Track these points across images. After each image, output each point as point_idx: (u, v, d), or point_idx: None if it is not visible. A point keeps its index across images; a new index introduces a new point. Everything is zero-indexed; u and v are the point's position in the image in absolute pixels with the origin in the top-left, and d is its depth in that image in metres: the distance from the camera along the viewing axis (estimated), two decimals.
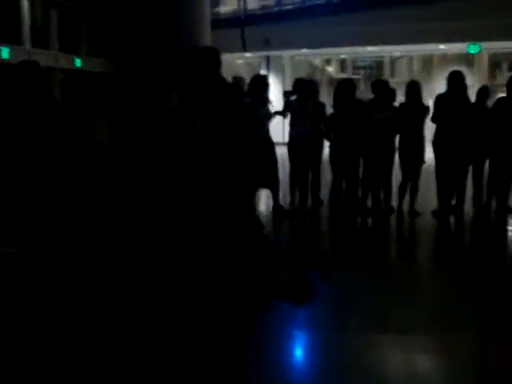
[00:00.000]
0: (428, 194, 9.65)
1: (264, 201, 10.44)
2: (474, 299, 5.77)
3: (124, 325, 4.99)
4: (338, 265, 6.87)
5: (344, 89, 9.04)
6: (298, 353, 4.75)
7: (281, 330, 5.05)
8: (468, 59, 22.76)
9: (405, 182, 9.23)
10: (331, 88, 10.16)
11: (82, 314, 5.21)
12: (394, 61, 27.47)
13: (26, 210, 7.37)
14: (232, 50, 19.44)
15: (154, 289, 5.78)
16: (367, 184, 9.13)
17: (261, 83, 9.17)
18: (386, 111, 8.93)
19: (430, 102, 9.49)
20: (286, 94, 9.62)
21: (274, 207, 9.34)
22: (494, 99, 9.42)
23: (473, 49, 19.92)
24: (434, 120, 9.02)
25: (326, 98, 10.65)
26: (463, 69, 14.77)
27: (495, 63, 26.48)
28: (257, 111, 8.84)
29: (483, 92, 9.53)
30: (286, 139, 9.71)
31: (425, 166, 9.23)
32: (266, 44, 20.33)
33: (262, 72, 22.58)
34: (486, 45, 19.93)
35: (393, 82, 16.08)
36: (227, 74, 14.75)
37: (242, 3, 21.81)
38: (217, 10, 21.50)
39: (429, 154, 9.17)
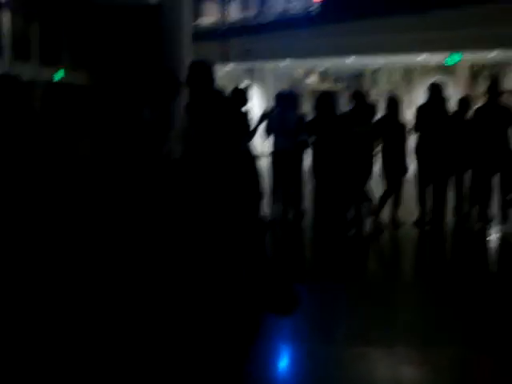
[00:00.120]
0: (410, 204, 9.69)
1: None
2: (456, 311, 5.78)
3: (118, 325, 4.99)
4: (320, 277, 6.87)
5: (324, 103, 9.05)
6: (282, 366, 4.73)
7: (265, 343, 5.04)
8: (448, 69, 22.92)
9: (387, 193, 9.26)
10: (313, 99, 10.19)
11: (78, 313, 5.19)
12: (374, 72, 27.62)
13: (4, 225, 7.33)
14: (214, 62, 19.43)
15: (147, 293, 5.77)
16: (349, 196, 9.14)
17: (240, 97, 9.07)
18: (365, 125, 8.95)
19: (410, 113, 9.56)
20: (265, 116, 9.46)
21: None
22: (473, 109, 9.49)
23: (452, 59, 20.07)
24: (416, 130, 9.10)
25: (308, 108, 10.67)
26: (443, 79, 14.90)
27: (475, 73, 26.68)
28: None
29: (464, 102, 9.60)
30: (268, 151, 9.73)
31: (408, 177, 9.30)
32: (248, 55, 20.37)
33: (244, 83, 22.63)
34: (465, 55, 20.08)
35: (373, 93, 16.17)
36: None
37: (223, 15, 21.86)
38: (198, 21, 21.53)
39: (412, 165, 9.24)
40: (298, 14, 21.16)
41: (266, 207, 9.61)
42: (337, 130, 8.85)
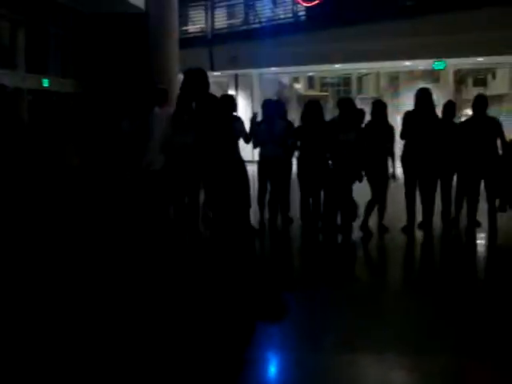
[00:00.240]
0: (398, 210, 9.71)
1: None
2: (446, 318, 5.78)
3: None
4: (308, 284, 6.86)
5: (311, 111, 9.05)
6: (270, 374, 4.71)
7: (253, 351, 5.04)
8: (434, 75, 23.05)
9: (374, 199, 9.29)
10: (300, 105, 10.21)
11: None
12: (361, 77, 27.72)
13: None
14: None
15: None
16: (336, 202, 9.14)
17: (228, 103, 9.12)
18: (351, 132, 8.96)
19: (397, 118, 9.59)
20: (254, 121, 9.50)
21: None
22: (461, 118, 9.53)
23: (438, 65, 20.18)
24: (402, 137, 9.12)
25: (295, 115, 10.70)
26: (429, 85, 14.96)
27: (461, 79, 26.84)
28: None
29: (449, 107, 9.65)
30: (256, 158, 9.75)
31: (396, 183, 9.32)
32: (234, 62, 20.39)
33: (230, 91, 22.64)
34: (451, 61, 20.20)
35: (360, 98, 16.23)
36: None
37: (209, 22, 21.86)
38: (185, 28, 21.52)
39: (398, 171, 9.25)
40: (284, 20, 21.21)
41: (253, 214, 9.63)
42: (323, 137, 8.86)
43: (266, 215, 9.72)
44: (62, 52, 14.63)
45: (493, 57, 19.50)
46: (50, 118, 9.28)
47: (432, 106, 9.03)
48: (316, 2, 19.90)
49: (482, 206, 9.13)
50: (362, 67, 23.21)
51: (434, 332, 5.32)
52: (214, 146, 6.30)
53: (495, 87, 25.31)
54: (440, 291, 6.58)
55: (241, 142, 8.89)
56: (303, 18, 20.92)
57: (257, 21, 21.89)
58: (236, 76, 23.31)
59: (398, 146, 9.37)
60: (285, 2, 21.64)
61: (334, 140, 8.85)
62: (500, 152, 9.03)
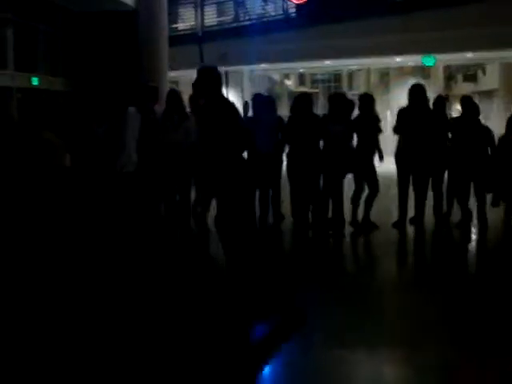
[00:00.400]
0: (389, 205, 9.74)
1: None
2: (439, 312, 5.80)
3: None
4: (301, 280, 6.86)
5: (301, 103, 9.07)
6: (265, 370, 4.70)
7: (244, 348, 5.05)
8: (424, 71, 23.11)
9: (357, 193, 9.31)
10: (290, 101, 10.23)
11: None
12: (351, 74, 27.77)
13: None
14: (190, 66, 19.39)
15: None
16: (326, 196, 9.16)
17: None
18: (341, 124, 8.97)
19: (387, 114, 9.60)
20: (246, 109, 9.58)
21: None
22: (451, 114, 9.56)
23: (428, 61, 20.21)
24: (396, 131, 9.14)
25: (286, 111, 10.70)
26: (419, 80, 15.00)
27: (450, 75, 26.94)
28: None
29: (439, 101, 9.68)
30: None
31: (387, 179, 9.34)
32: (224, 59, 20.36)
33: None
34: (441, 57, 20.24)
35: (351, 94, 16.24)
36: (186, 90, 14.74)
37: (199, 19, 21.82)
38: (174, 26, 21.48)
39: (389, 166, 9.27)
40: (274, 17, 21.20)
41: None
42: (313, 130, 8.85)
43: (257, 212, 9.70)
44: (52, 50, 14.58)
45: (482, 52, 19.56)
46: (41, 117, 9.22)
47: (426, 102, 9.07)
48: None
49: (474, 202, 9.19)
50: (353, 64, 23.24)
51: (427, 326, 5.34)
52: (224, 144, 6.26)
53: (485, 83, 25.41)
54: (433, 286, 6.61)
55: None
56: (293, 14, 20.91)
57: (247, 18, 21.88)
58: (226, 73, 23.28)
59: (390, 138, 9.35)
60: None
61: (324, 131, 8.84)
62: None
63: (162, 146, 9.14)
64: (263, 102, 9.76)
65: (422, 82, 14.70)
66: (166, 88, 11.93)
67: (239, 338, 5.15)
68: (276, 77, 27.34)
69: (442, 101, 9.77)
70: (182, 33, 21.90)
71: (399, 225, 9.18)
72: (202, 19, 21.81)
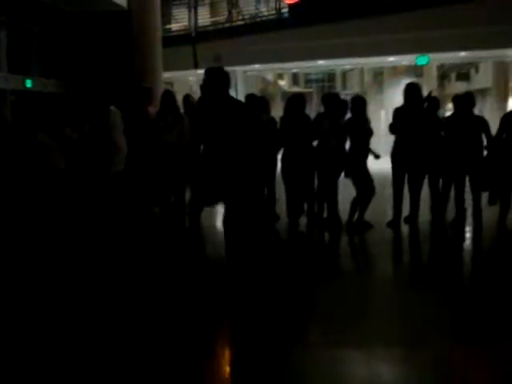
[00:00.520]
0: (384, 205, 9.74)
1: (221, 217, 10.42)
2: (436, 310, 5.81)
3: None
4: (297, 279, 6.86)
5: (293, 104, 9.06)
6: (256, 371, 4.70)
7: (237, 347, 5.05)
8: (417, 70, 23.13)
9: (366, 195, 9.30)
10: (284, 101, 10.24)
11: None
12: (345, 73, 27.79)
13: None
14: (184, 67, 19.41)
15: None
16: (321, 196, 9.16)
17: None
18: (335, 124, 8.98)
19: (381, 113, 9.61)
20: None
21: None
22: (445, 113, 9.56)
23: (421, 60, 20.24)
24: (392, 131, 9.14)
25: (280, 111, 10.70)
26: (413, 80, 15.01)
27: (444, 74, 26.99)
28: None
29: (432, 101, 9.67)
30: None
31: (381, 179, 9.34)
32: (218, 60, 20.36)
33: None
34: (434, 56, 20.27)
35: (344, 94, 16.25)
36: (180, 91, 14.73)
37: (192, 20, 21.81)
38: (168, 26, 21.47)
39: (383, 165, 9.27)
40: (268, 18, 21.21)
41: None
42: (307, 130, 8.85)
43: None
44: (45, 52, 14.56)
45: (475, 51, 19.60)
46: (34, 119, 9.21)
47: (421, 101, 9.09)
48: None
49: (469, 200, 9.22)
50: (346, 63, 23.25)
51: (424, 324, 5.35)
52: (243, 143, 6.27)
53: (478, 81, 25.47)
54: (429, 284, 6.63)
55: None
56: (286, 14, 20.92)
57: (240, 18, 21.88)
58: None
59: (384, 138, 9.35)
60: None
61: (318, 131, 8.84)
62: (485, 147, 9.11)
63: (156, 146, 9.15)
64: (255, 102, 9.75)
65: (416, 81, 14.71)
66: (161, 89, 11.94)
67: None
68: (269, 77, 27.32)
69: (436, 100, 9.77)
70: (175, 33, 21.89)
71: (394, 224, 9.19)
72: (196, 20, 21.80)
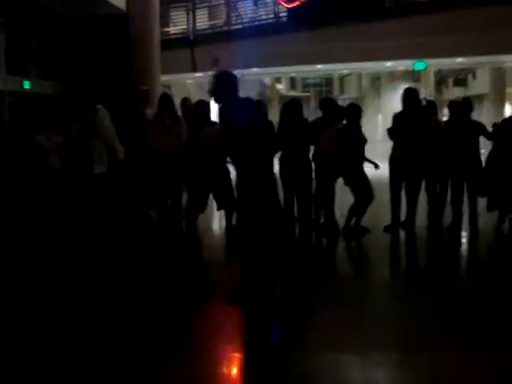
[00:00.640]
0: (380, 210, 9.74)
1: (217, 221, 10.44)
2: (432, 315, 5.80)
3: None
4: (293, 284, 6.86)
5: (290, 109, 9.05)
6: (256, 375, 4.69)
7: (236, 352, 5.05)
8: (415, 76, 23.19)
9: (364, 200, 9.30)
10: (281, 105, 10.23)
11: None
12: (342, 78, 27.84)
13: None
14: (181, 71, 19.43)
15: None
16: (319, 201, 9.15)
17: (205, 108, 9.01)
18: (332, 129, 8.98)
19: (379, 118, 9.63)
20: None
21: (227, 227, 9.25)
22: (442, 118, 9.57)
23: (419, 66, 20.28)
24: (391, 136, 9.17)
25: (277, 115, 10.68)
26: (410, 85, 15.04)
27: (441, 79, 27.05)
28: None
29: (430, 107, 9.69)
30: None
31: (378, 184, 9.34)
32: (216, 63, 20.37)
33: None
34: (432, 61, 20.31)
35: (342, 99, 16.25)
36: (177, 94, 14.73)
37: (191, 23, 21.82)
38: (166, 30, 21.47)
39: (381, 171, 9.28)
40: (266, 21, 21.23)
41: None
42: (304, 136, 8.85)
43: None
44: (43, 54, 14.54)
45: (473, 57, 19.64)
46: (32, 120, 9.21)
47: (419, 106, 9.13)
48: (297, 3, 19.94)
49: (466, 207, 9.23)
50: (344, 68, 23.29)
51: (421, 329, 5.35)
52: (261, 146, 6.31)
53: (475, 87, 25.54)
54: (426, 289, 6.64)
55: None
56: (284, 19, 20.94)
57: (239, 22, 21.89)
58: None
59: (380, 143, 9.37)
60: (266, 2, 21.66)
61: (316, 136, 8.85)
62: (482, 152, 9.14)
63: (152, 149, 9.14)
64: (253, 106, 9.73)
65: (413, 86, 14.75)
66: (158, 92, 11.93)
67: None
68: (267, 81, 27.36)
69: (433, 105, 9.79)
70: (173, 37, 21.89)
71: (391, 229, 9.20)
72: (194, 23, 21.80)
